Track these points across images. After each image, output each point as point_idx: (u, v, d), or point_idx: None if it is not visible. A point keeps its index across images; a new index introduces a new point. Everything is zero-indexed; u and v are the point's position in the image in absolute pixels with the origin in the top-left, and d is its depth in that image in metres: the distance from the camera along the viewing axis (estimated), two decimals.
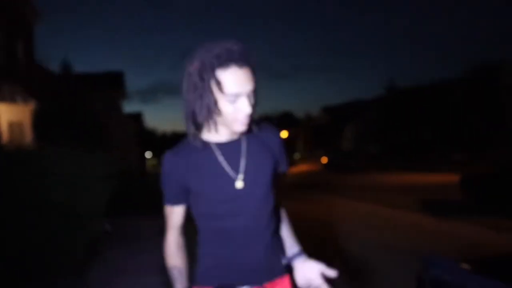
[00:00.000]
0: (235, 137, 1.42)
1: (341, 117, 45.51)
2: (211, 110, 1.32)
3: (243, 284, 1.41)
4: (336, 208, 9.90)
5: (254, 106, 1.36)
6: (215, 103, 1.31)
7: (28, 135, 10.63)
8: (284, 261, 1.49)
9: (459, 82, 28.54)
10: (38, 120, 11.09)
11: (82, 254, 5.40)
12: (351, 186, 14.79)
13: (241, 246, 1.40)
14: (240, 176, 1.39)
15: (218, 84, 1.28)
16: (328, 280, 1.43)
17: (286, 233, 1.55)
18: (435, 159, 25.55)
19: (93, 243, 5.87)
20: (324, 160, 31.34)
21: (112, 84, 22.39)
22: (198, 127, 1.40)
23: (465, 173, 9.98)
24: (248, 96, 1.32)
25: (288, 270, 1.50)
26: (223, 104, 1.31)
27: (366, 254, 5.32)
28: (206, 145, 1.41)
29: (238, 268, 1.41)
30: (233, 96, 1.29)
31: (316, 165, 32.58)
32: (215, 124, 1.36)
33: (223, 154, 1.40)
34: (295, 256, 1.49)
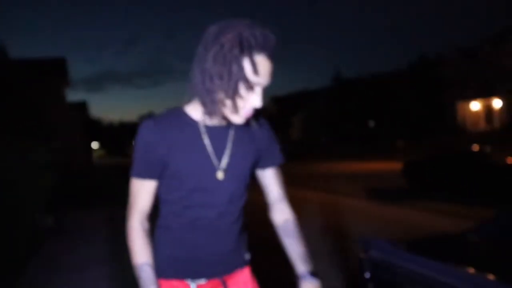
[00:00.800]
0: (223, 123, 1.31)
1: (289, 107, 46.09)
2: (237, 87, 1.18)
3: (202, 277, 1.34)
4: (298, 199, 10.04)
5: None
6: (243, 77, 1.18)
7: None
8: (247, 256, 1.44)
9: (402, 73, 29.75)
10: None
11: (23, 251, 5.17)
12: (300, 175, 15.05)
13: (208, 238, 1.33)
14: (222, 166, 1.31)
15: (249, 65, 1.17)
16: None
17: (297, 248, 1.44)
18: (380, 147, 26.48)
19: (34, 238, 5.63)
20: None
21: (54, 71, 21.42)
22: (213, 102, 1.23)
23: (407, 160, 10.42)
24: (263, 90, 1.22)
25: (250, 262, 1.46)
26: (242, 91, 1.19)
27: (310, 239, 5.43)
28: (193, 122, 1.30)
29: (201, 261, 1.33)
30: (253, 83, 1.19)
31: None
32: (222, 103, 1.22)
33: (210, 138, 1.30)
34: (304, 277, 1.42)
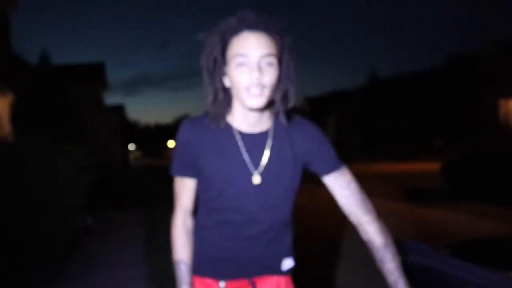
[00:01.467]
0: (259, 129, 1.29)
1: (323, 108, 45.71)
2: (220, 83, 1.24)
3: (230, 277, 1.34)
4: (318, 196, 9.95)
5: (279, 82, 1.23)
6: (224, 73, 1.23)
7: (6, 128, 10.41)
8: (286, 265, 1.37)
9: (439, 71, 28.97)
10: (16, 113, 10.86)
11: (63, 249, 5.33)
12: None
13: (234, 242, 1.32)
14: (260, 171, 1.27)
15: (226, 47, 1.21)
16: None
17: (392, 276, 1.28)
18: (417, 148, 25.86)
19: (73, 236, 5.80)
20: None
21: (93, 75, 22.04)
22: (220, 108, 1.27)
23: (446, 160, 10.12)
24: (261, 63, 1.17)
25: (291, 272, 1.40)
26: (232, 70, 1.20)
27: (348, 241, 5.35)
28: (228, 126, 1.30)
29: (228, 261, 1.34)
30: (241, 57, 1.17)
31: None
32: (229, 104, 1.27)
33: (245, 142, 1.28)
34: None
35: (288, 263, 1.38)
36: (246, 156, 1.27)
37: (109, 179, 10.24)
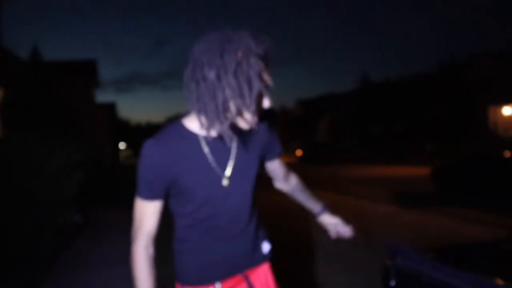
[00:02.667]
0: (225, 133, 1.27)
1: (316, 110, 45.86)
2: (256, 98, 1.20)
3: (225, 277, 1.38)
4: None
5: None
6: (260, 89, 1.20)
7: None
8: (265, 249, 1.49)
9: (432, 76, 29.19)
10: (6, 108, 10.75)
11: (50, 246, 5.28)
12: (326, 178, 14.92)
13: (224, 245, 1.36)
14: (227, 174, 1.32)
15: (264, 75, 1.22)
16: None
17: (307, 195, 1.74)
18: (407, 151, 26.04)
19: (61, 234, 5.75)
20: (299, 152, 31.51)
21: (85, 72, 21.93)
22: (221, 115, 1.23)
23: (436, 165, 10.19)
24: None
25: (270, 255, 1.51)
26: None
27: (336, 243, 5.36)
28: (193, 136, 1.31)
29: (221, 264, 1.37)
30: (265, 89, 1.22)
31: (291, 157, 32.77)
32: (240, 113, 1.24)
33: (210, 148, 1.30)
34: (321, 212, 1.75)
35: (266, 246, 1.49)
36: (212, 162, 1.31)
37: (98, 177, 10.17)
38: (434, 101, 28.23)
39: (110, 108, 35.23)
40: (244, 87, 1.17)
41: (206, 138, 1.30)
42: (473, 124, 26.43)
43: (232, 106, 1.20)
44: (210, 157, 1.30)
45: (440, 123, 27.85)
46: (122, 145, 48.82)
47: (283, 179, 1.69)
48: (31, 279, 4.55)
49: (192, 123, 1.32)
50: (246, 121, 1.26)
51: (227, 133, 1.24)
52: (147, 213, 1.32)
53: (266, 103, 1.25)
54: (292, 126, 49.42)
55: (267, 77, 1.23)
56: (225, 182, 1.31)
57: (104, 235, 6.77)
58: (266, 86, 1.24)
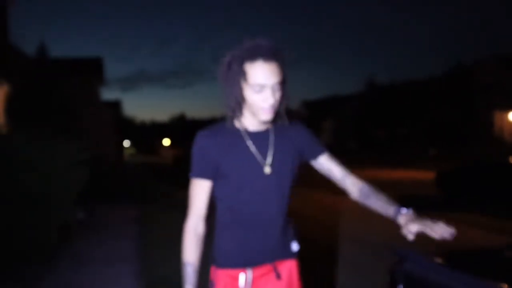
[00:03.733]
0: (263, 127, 1.54)
1: (320, 112, 45.78)
2: (238, 99, 1.46)
3: (255, 264, 1.50)
4: (312, 201, 9.95)
5: (282, 98, 1.49)
6: (241, 92, 1.45)
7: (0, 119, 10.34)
8: (294, 247, 1.58)
9: (438, 80, 29.07)
10: (11, 104, 10.78)
11: (53, 242, 5.28)
12: (329, 180, 14.88)
13: (256, 232, 1.49)
14: (268, 162, 1.50)
15: (244, 75, 1.43)
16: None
17: (381, 198, 1.63)
18: (412, 155, 25.95)
19: (64, 230, 5.75)
20: None
21: (90, 70, 21.95)
22: (234, 114, 1.51)
23: (440, 169, 10.14)
24: (273, 88, 1.43)
25: (298, 254, 1.59)
26: (249, 93, 1.44)
27: (340, 247, 5.35)
28: (237, 130, 1.53)
29: (252, 252, 1.49)
30: (258, 87, 1.42)
31: None
32: (242, 111, 1.50)
33: (252, 141, 1.51)
34: (399, 212, 1.58)
35: (295, 246, 1.59)
36: (255, 151, 1.51)
37: (102, 174, 10.19)
38: (439, 105, 28.12)
39: (115, 106, 35.26)
40: (228, 88, 1.48)
41: (247, 132, 1.52)
42: (478, 129, 26.31)
43: (232, 103, 1.49)
44: (253, 147, 1.51)
45: (445, 127, 27.74)
46: (126, 143, 48.95)
47: (344, 178, 1.67)
48: (33, 276, 4.56)
49: (236, 121, 1.54)
50: (257, 113, 1.47)
51: (257, 124, 1.52)
52: (198, 192, 1.51)
53: (265, 99, 1.44)
54: None
55: (258, 76, 1.42)
56: (267, 169, 1.50)
57: (107, 232, 6.77)
58: (262, 84, 1.43)
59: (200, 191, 1.51)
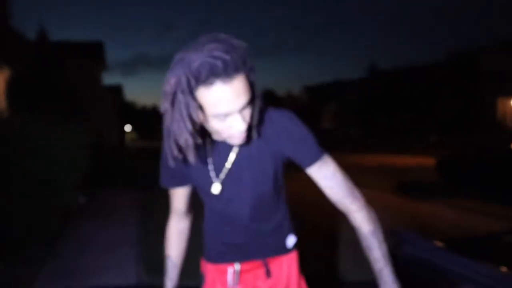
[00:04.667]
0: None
1: (322, 97, 45.64)
2: (190, 136, 1.11)
3: (243, 260, 1.41)
4: (312, 186, 9.96)
5: (253, 113, 1.16)
6: (196, 126, 1.12)
7: (0, 104, 10.33)
8: (290, 242, 1.44)
9: (439, 66, 28.91)
10: (12, 88, 10.76)
11: (54, 226, 5.32)
12: None
13: (240, 233, 1.39)
14: (219, 180, 1.31)
15: (200, 107, 1.09)
16: None
17: (373, 263, 1.27)
18: (413, 141, 25.92)
19: (66, 215, 5.79)
20: None
21: (91, 54, 21.84)
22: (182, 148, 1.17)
23: (442, 155, 10.13)
24: (242, 112, 1.11)
25: (296, 247, 1.47)
26: (211, 122, 1.12)
27: (341, 232, 5.37)
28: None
29: (240, 248, 1.41)
30: (222, 116, 1.09)
31: None
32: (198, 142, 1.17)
33: (213, 151, 1.30)
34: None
35: (291, 240, 1.44)
36: (210, 162, 1.31)
37: (104, 159, 10.20)
38: (442, 91, 28.00)
39: (117, 90, 35.19)
40: (174, 119, 1.13)
41: (210, 141, 1.28)
42: (481, 116, 26.22)
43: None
44: (210, 160, 1.31)
45: (447, 114, 27.66)
46: (128, 128, 48.93)
47: (339, 206, 1.31)
48: (35, 260, 4.59)
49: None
50: (229, 142, 1.19)
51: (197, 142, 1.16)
52: (173, 197, 1.47)
53: (235, 127, 1.12)
54: (298, 113, 49.23)
55: (217, 102, 1.07)
56: (214, 187, 1.32)
57: (108, 217, 6.81)
58: (222, 112, 1.09)
59: (174, 195, 1.46)
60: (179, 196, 1.46)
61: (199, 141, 1.16)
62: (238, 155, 1.28)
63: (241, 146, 1.27)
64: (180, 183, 1.41)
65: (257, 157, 1.27)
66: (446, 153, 10.91)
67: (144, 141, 56.52)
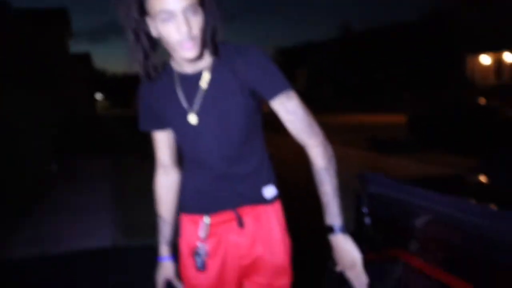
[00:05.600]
0: (198, 68, 1.26)
1: (295, 59, 45.39)
2: (143, 44, 1.19)
3: (214, 210, 1.35)
4: (287, 146, 10.07)
5: (204, 24, 1.16)
6: (146, 29, 1.17)
7: None
8: (268, 193, 1.37)
9: (412, 25, 29.03)
10: None
11: (29, 195, 5.27)
12: None
13: (212, 178, 1.34)
14: (194, 110, 1.27)
15: (142, 4, 1.13)
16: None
17: (323, 197, 1.30)
18: (387, 100, 26.26)
19: (39, 183, 5.73)
20: None
21: (56, 21, 21.03)
22: (145, 67, 1.24)
23: (412, 112, 10.34)
24: (186, 14, 1.11)
25: (277, 199, 1.40)
26: (157, 27, 1.14)
27: (313, 186, 5.49)
28: (171, 72, 1.30)
29: (211, 197, 1.35)
30: (165, 14, 1.11)
31: (268, 106, 32.74)
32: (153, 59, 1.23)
33: (182, 85, 1.28)
34: (333, 231, 1.28)
35: (270, 191, 1.37)
36: (182, 97, 1.29)
37: (75, 128, 10.04)
38: (413, 50, 28.23)
39: (85, 58, 34.13)
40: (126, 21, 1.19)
41: (179, 74, 1.29)
42: (452, 73, 26.66)
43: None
44: (180, 93, 1.29)
45: (419, 72, 28.00)
46: (99, 96, 47.89)
47: (299, 140, 1.32)
48: (11, 228, 4.57)
49: (173, 61, 1.31)
50: (175, 50, 1.18)
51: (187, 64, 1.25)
52: (155, 144, 1.43)
53: (176, 30, 1.13)
54: None
55: (155, 2, 1.11)
56: (191, 118, 1.28)
57: (82, 183, 6.77)
58: (164, 11, 1.12)
59: (157, 143, 1.42)
60: (162, 146, 1.42)
61: (152, 52, 1.22)
62: (208, 87, 1.26)
63: (211, 80, 1.26)
64: (157, 125, 1.38)
65: (226, 89, 1.26)
66: (416, 110, 11.12)
67: (116, 109, 55.51)
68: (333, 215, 1.28)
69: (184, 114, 1.29)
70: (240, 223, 1.34)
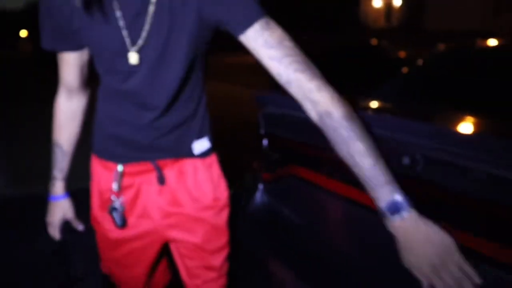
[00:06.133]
0: None
1: None
2: None
3: (129, 160, 1.14)
4: (219, 96, 9.88)
5: None
6: None
7: None
8: (199, 147, 1.16)
9: None
10: None
11: None
12: (215, 66, 14.81)
13: (134, 124, 1.09)
14: (138, 46, 0.98)
15: None
16: None
17: (361, 160, 0.85)
18: None
19: None
20: None
21: None
22: None
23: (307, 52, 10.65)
24: None
25: (200, 156, 1.18)
26: None
27: (227, 129, 5.49)
28: None
29: (128, 144, 1.12)
30: None
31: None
32: None
33: (122, 10, 0.96)
34: (394, 212, 0.82)
35: (200, 146, 1.16)
36: (122, 23, 0.97)
37: None
38: None
39: None
40: None
41: None
42: (345, 16, 27.69)
43: None
44: (121, 22, 0.96)
45: (314, 15, 28.66)
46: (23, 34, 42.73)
47: (299, 77, 0.91)
48: None
49: None
50: None
51: None
52: (61, 64, 1.13)
53: None
54: None
55: None
56: (132, 57, 0.98)
57: None
58: None
59: (63, 64, 1.12)
60: (69, 65, 1.12)
61: None
62: (155, 9, 0.95)
63: (158, 2, 0.95)
64: (68, 45, 1.07)
65: (176, 17, 0.96)
66: (313, 51, 11.44)
67: (3, 50, 50.18)
68: (384, 186, 0.83)
69: (122, 47, 0.99)
70: (161, 179, 1.14)
